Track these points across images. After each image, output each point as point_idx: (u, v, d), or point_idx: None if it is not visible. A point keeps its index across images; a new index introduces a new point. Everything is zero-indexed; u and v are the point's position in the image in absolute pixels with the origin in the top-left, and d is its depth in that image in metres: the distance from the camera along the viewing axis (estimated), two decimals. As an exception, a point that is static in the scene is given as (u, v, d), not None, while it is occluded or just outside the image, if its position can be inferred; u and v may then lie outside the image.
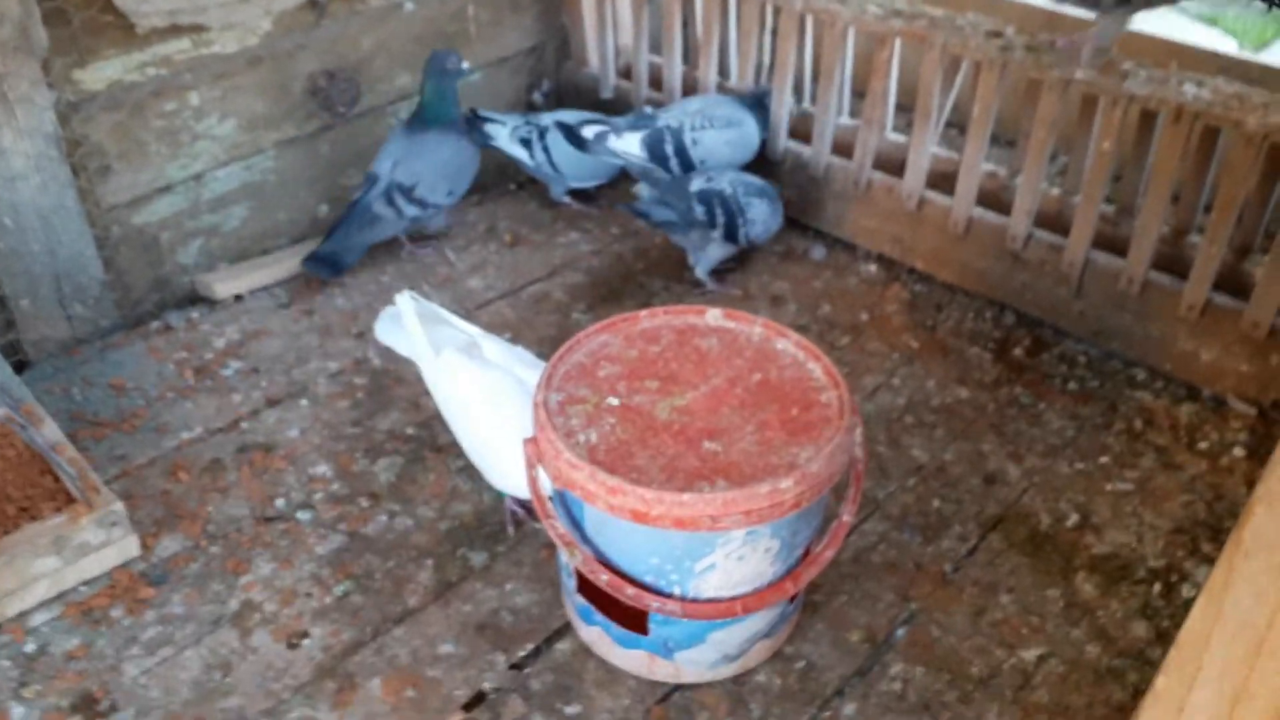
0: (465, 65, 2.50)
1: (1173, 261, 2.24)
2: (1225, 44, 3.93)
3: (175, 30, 2.28)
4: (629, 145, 2.53)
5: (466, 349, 1.77)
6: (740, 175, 2.49)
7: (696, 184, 2.43)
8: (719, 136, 2.53)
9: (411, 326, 1.77)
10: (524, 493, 1.63)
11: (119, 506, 1.72)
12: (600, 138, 2.52)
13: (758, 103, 2.63)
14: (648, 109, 2.72)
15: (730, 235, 2.42)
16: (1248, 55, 2.69)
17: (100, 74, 2.22)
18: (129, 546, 1.76)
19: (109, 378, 2.18)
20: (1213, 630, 0.48)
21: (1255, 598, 0.45)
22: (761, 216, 2.45)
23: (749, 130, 2.57)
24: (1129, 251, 2.21)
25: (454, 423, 1.79)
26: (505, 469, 1.69)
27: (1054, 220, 2.38)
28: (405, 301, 1.78)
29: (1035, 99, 2.26)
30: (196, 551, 1.80)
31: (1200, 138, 2.16)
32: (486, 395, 1.71)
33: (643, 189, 2.59)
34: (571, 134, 2.55)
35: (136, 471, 1.95)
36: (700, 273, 2.49)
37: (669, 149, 2.51)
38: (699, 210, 2.39)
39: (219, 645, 1.65)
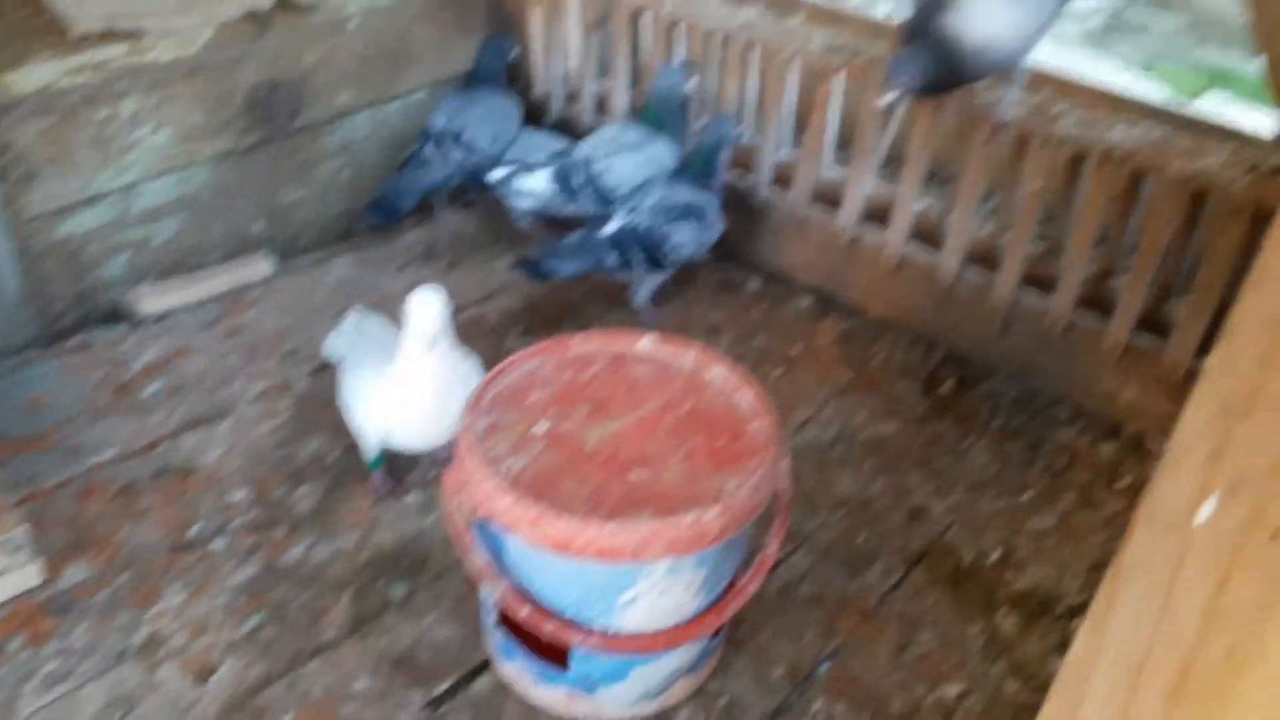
0: (516, 50, 2.85)
1: (1098, 301, 2.29)
2: (1159, 92, 4.06)
3: (111, 36, 2.23)
4: (536, 183, 2.48)
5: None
6: (669, 193, 2.40)
7: (612, 226, 2.36)
8: (628, 160, 2.50)
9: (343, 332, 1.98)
10: (371, 440, 1.82)
11: (21, 531, 1.67)
12: (506, 180, 2.49)
13: (680, 113, 2.61)
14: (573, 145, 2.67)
15: (656, 264, 2.39)
16: (1175, 104, 2.78)
17: (30, 77, 2.15)
18: (32, 574, 1.70)
19: (23, 394, 2.11)
20: (1096, 655, 0.49)
21: (1134, 623, 0.46)
22: (689, 237, 2.38)
23: (659, 150, 2.54)
24: (1056, 291, 2.26)
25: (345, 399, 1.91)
26: (355, 416, 1.84)
27: (984, 258, 2.42)
28: (348, 320, 2.00)
29: (970, 137, 2.30)
30: (104, 580, 1.74)
31: (1127, 181, 2.21)
32: (357, 355, 1.91)
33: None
34: (476, 178, 2.55)
35: (46, 494, 1.88)
36: (639, 301, 2.48)
37: (578, 180, 2.47)
38: (612, 258, 2.34)
39: (123, 680, 1.59)
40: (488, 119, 2.72)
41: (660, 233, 2.35)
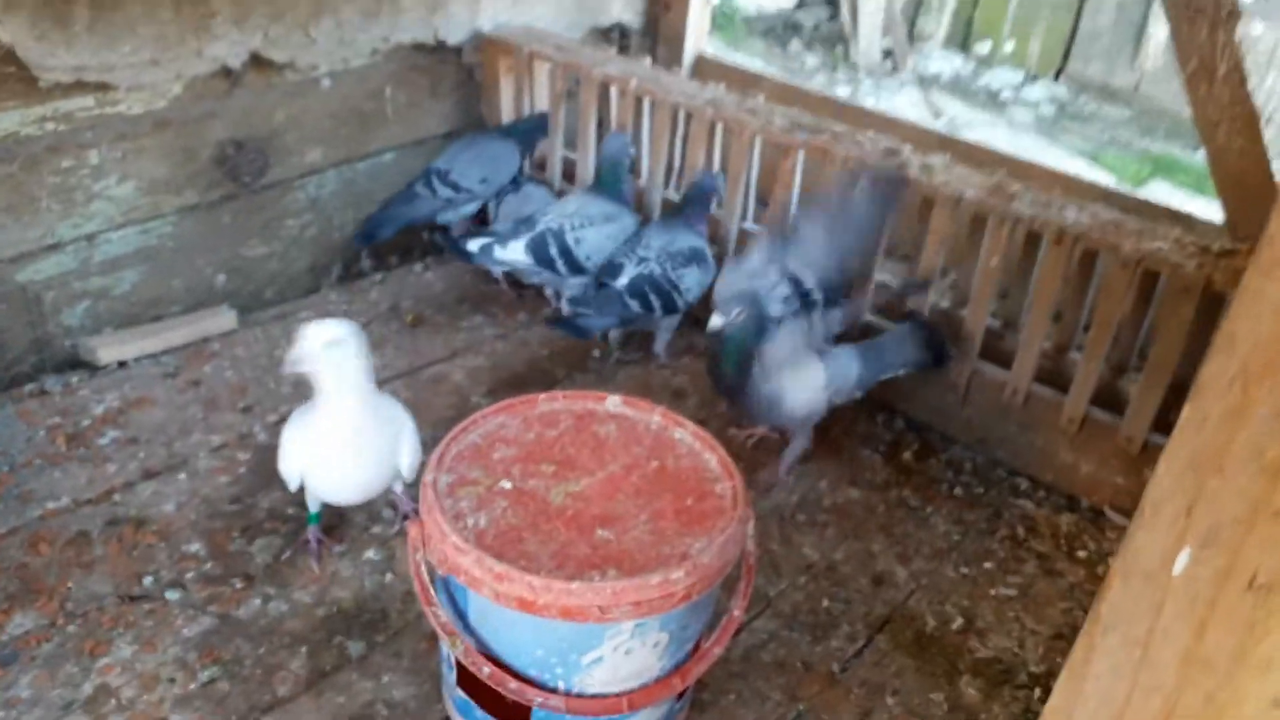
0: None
1: (1054, 376, 2.34)
2: (1104, 180, 4.21)
3: (80, 87, 2.23)
4: (514, 254, 2.51)
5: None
6: (669, 241, 2.49)
7: (625, 277, 2.42)
8: (599, 233, 2.56)
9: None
10: (293, 487, 1.78)
11: (-33, 579, 1.61)
12: (485, 250, 2.52)
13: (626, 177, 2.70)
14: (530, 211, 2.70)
15: (671, 309, 2.48)
16: (1125, 188, 2.88)
17: (-5, 125, 2.15)
18: (-26, 623, 1.64)
19: (-28, 440, 2.06)
20: (1074, 707, 0.49)
21: (1113, 673, 0.46)
22: (695, 282, 2.50)
23: (627, 223, 2.61)
24: (1013, 364, 2.31)
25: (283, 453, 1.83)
26: (288, 459, 1.77)
27: (944, 331, 2.47)
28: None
29: (928, 215, 2.37)
30: (52, 630, 1.68)
31: (1080, 260, 2.28)
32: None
33: (565, 302, 2.61)
34: (455, 245, 2.56)
35: (-8, 541, 1.83)
36: (658, 348, 2.59)
37: (553, 251, 2.52)
38: (634, 305, 2.41)
39: (66, 733, 1.53)
40: (478, 161, 2.80)
41: (673, 276, 2.44)
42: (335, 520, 1.97)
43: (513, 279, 2.80)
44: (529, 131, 2.91)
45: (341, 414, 1.68)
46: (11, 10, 2.05)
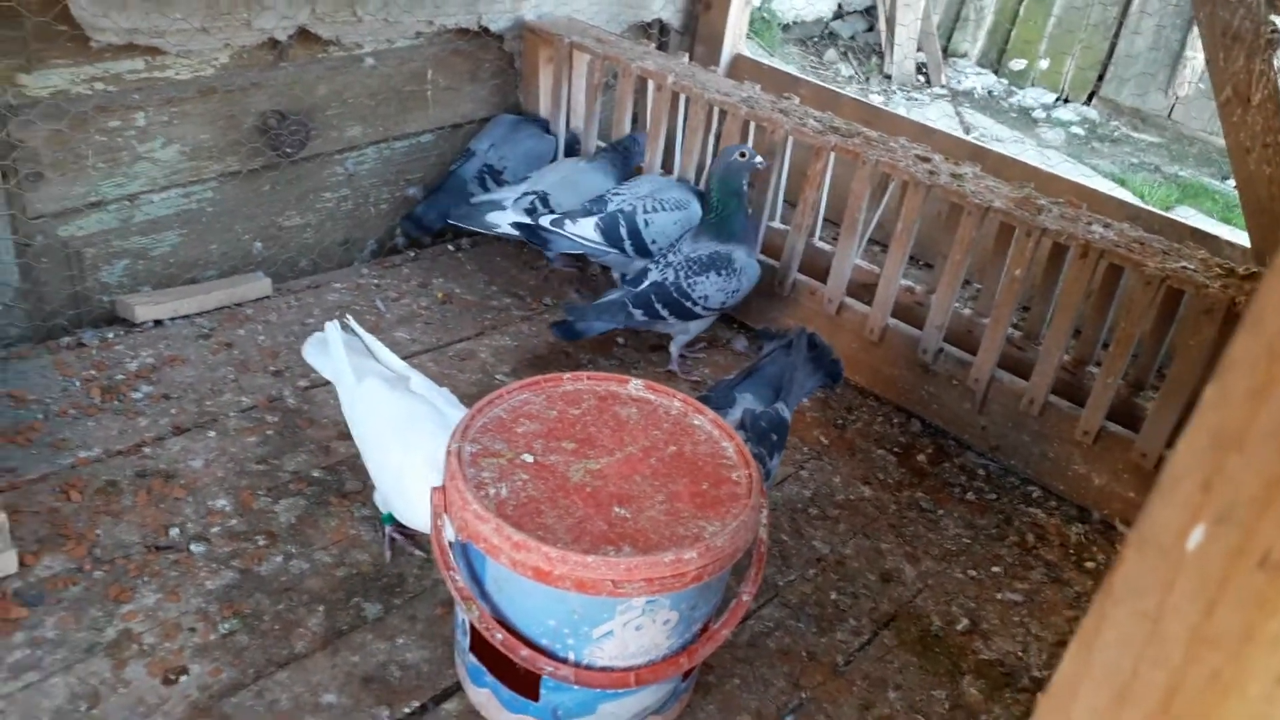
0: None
1: (1072, 389, 2.36)
2: (1132, 201, 4.21)
3: (130, 49, 2.28)
4: (584, 230, 2.58)
5: (392, 380, 1.79)
6: (696, 246, 2.46)
7: (643, 285, 2.44)
8: (669, 218, 2.62)
9: (336, 352, 1.81)
10: (426, 525, 1.62)
11: (1, 518, 1.66)
12: (556, 223, 2.58)
13: (698, 193, 2.72)
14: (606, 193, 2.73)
15: (683, 316, 2.45)
16: (1151, 207, 2.90)
17: (45, 81, 2.20)
18: (7, 562, 1.68)
19: (8, 387, 2.10)
20: (1081, 677, 0.51)
21: (1121, 644, 0.48)
22: (713, 288, 2.43)
23: (695, 212, 2.65)
24: (1032, 375, 2.33)
25: (367, 448, 1.79)
26: (411, 497, 1.67)
27: (964, 338, 2.50)
28: (333, 329, 1.83)
29: (955, 223, 2.39)
30: (79, 574, 1.73)
31: (1104, 276, 2.30)
32: (405, 421, 1.72)
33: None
34: (526, 226, 2.60)
35: (25, 485, 1.87)
36: (672, 349, 2.57)
37: (623, 231, 2.58)
38: (639, 314, 2.42)
39: (89, 675, 1.57)
40: (528, 161, 2.93)
41: (685, 285, 2.43)
42: (358, 485, 2.01)
43: (571, 259, 2.85)
44: (625, 155, 2.91)
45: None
46: (69, -30, 2.10)
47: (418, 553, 1.88)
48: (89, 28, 2.19)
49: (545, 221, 2.59)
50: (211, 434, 2.08)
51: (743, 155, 2.44)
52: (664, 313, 2.43)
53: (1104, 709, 0.48)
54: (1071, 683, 0.51)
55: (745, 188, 2.49)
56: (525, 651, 1.49)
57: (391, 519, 1.85)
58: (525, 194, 2.74)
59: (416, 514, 1.69)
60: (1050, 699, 0.54)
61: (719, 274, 2.44)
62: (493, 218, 2.70)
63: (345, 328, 1.87)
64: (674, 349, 2.56)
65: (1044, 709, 0.54)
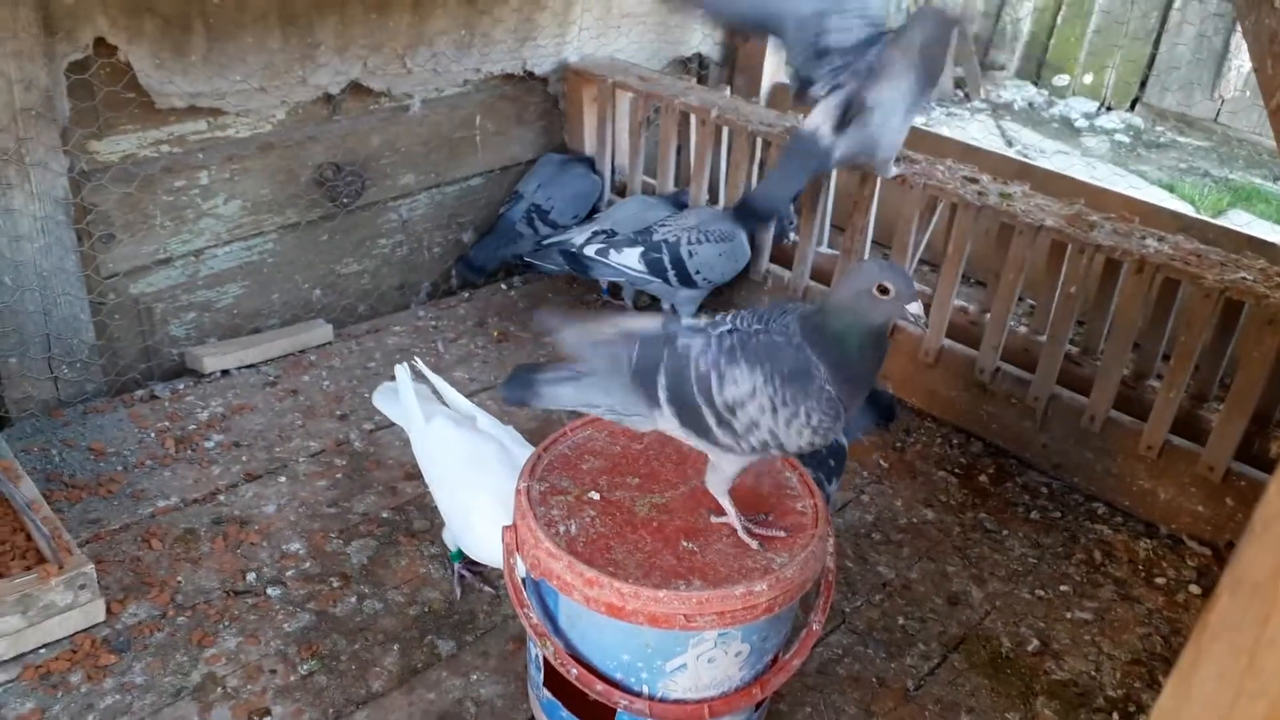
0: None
1: (1133, 403, 2.34)
2: (1183, 208, 4.16)
3: (193, 112, 2.37)
4: (628, 260, 2.63)
5: (459, 420, 1.84)
6: (710, 221, 2.68)
7: (641, 245, 2.65)
8: (713, 250, 2.65)
9: (406, 394, 1.86)
10: (495, 560, 1.65)
11: (90, 569, 1.72)
12: (602, 253, 2.63)
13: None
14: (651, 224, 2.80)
15: (685, 281, 2.63)
16: (1205, 217, 2.87)
17: (115, 146, 2.29)
18: (95, 611, 1.74)
19: (89, 441, 2.18)
20: (1181, 710, 0.53)
21: (1219, 679, 0.50)
22: (707, 261, 2.64)
23: (740, 244, 2.69)
24: (1091, 391, 2.31)
25: (437, 487, 1.83)
26: (480, 533, 1.71)
27: (1020, 356, 2.49)
28: (402, 372, 1.88)
29: (1007, 243, 2.39)
30: (163, 620, 1.78)
31: (1161, 289, 2.28)
32: (472, 458, 1.77)
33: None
34: (571, 254, 2.66)
35: (109, 536, 1.94)
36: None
37: (666, 261, 2.62)
38: (640, 269, 2.62)
39: (178, 718, 1.62)
40: (574, 201, 3.01)
41: (684, 251, 2.60)
42: (425, 525, 2.05)
43: (617, 289, 2.90)
44: (684, 199, 3.00)
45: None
46: (135, 40, 2.20)
47: (487, 589, 1.91)
48: (155, 94, 2.28)
49: (591, 251, 2.63)
50: (282, 479, 2.14)
51: None
52: (670, 270, 2.60)
53: (1207, 739, 0.50)
54: (1172, 714, 0.53)
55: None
56: (601, 686, 1.51)
57: (460, 555, 1.89)
58: (596, 233, 2.78)
59: (484, 548, 1.73)
60: None
61: (721, 245, 2.66)
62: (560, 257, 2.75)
63: (414, 371, 1.91)
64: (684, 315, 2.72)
65: None
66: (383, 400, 1.98)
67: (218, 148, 2.46)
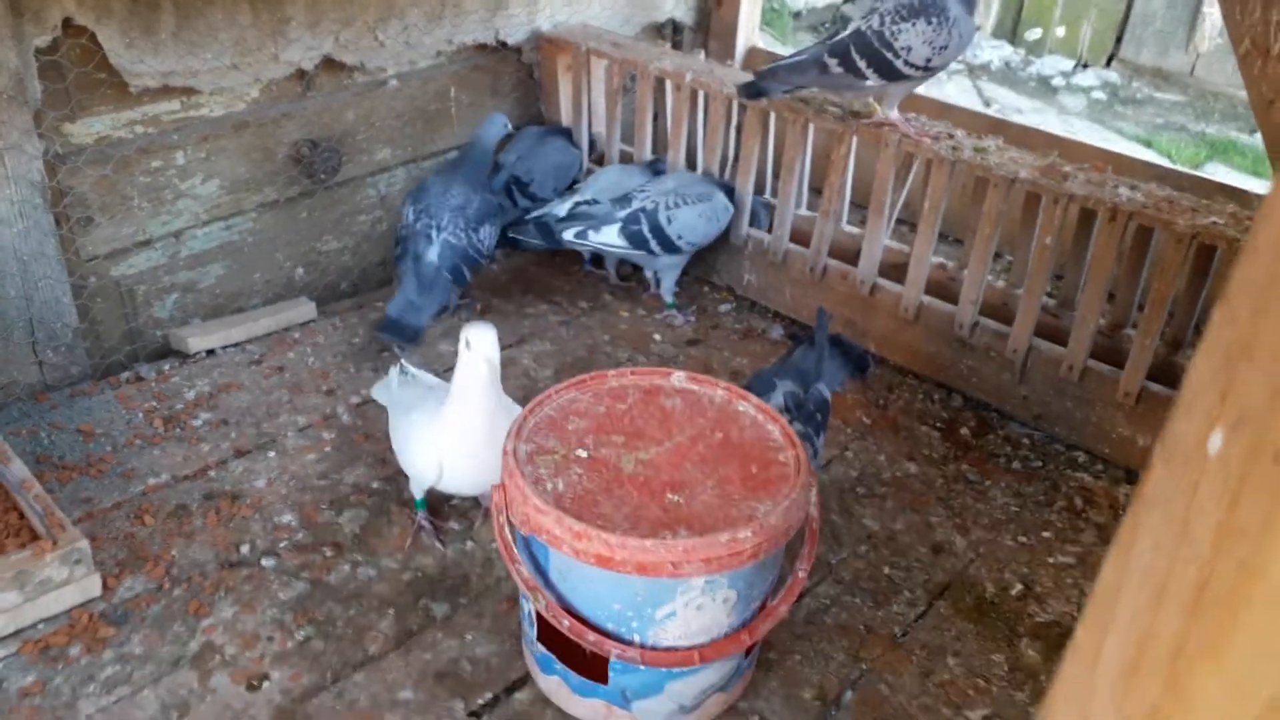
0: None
1: (1110, 353, 2.38)
2: (1160, 162, 4.19)
3: (166, 91, 2.37)
4: (607, 238, 2.64)
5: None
6: (688, 184, 2.69)
7: (626, 209, 2.65)
8: (692, 212, 2.65)
9: (391, 384, 2.04)
10: (424, 482, 1.87)
11: (84, 544, 1.73)
12: (580, 235, 2.64)
13: (727, 190, 2.76)
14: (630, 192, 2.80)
15: (668, 247, 2.64)
16: (1179, 167, 2.90)
17: (90, 128, 2.29)
18: (91, 585, 1.76)
19: (77, 423, 2.19)
20: (1121, 581, 0.55)
21: (1155, 548, 0.52)
22: (694, 220, 2.64)
23: (719, 203, 2.69)
24: (1069, 341, 2.34)
25: (393, 431, 1.99)
26: (409, 460, 1.89)
27: (999, 311, 2.52)
28: (394, 372, 2.06)
29: (982, 198, 2.41)
30: (159, 593, 1.80)
31: (1134, 237, 2.31)
32: (416, 396, 1.95)
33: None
34: (547, 231, 2.67)
35: (101, 514, 1.96)
36: (664, 291, 2.73)
37: (646, 231, 2.63)
38: (621, 242, 2.62)
39: (178, 686, 1.65)
40: (554, 174, 3.01)
41: (660, 217, 2.61)
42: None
43: (600, 260, 2.91)
44: (661, 167, 3.00)
45: (483, 411, 1.77)
46: (103, 20, 2.19)
47: (438, 545, 1.96)
48: (127, 74, 2.28)
49: (569, 235, 2.63)
50: (272, 454, 2.15)
51: None
52: (649, 237, 2.61)
53: (1144, 606, 0.52)
54: (1113, 587, 0.55)
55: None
56: (593, 636, 1.54)
57: (424, 504, 1.98)
58: (577, 203, 2.78)
59: (417, 462, 1.86)
60: (1095, 603, 0.57)
61: (699, 206, 2.68)
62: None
63: (403, 371, 2.05)
64: (665, 286, 2.75)
65: (1090, 612, 0.58)
66: (378, 392, 2.12)
67: (193, 127, 2.46)
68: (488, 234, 2.63)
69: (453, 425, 1.79)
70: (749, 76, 2.86)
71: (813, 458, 1.87)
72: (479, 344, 1.73)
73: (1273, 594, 0.49)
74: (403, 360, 2.11)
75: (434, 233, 2.53)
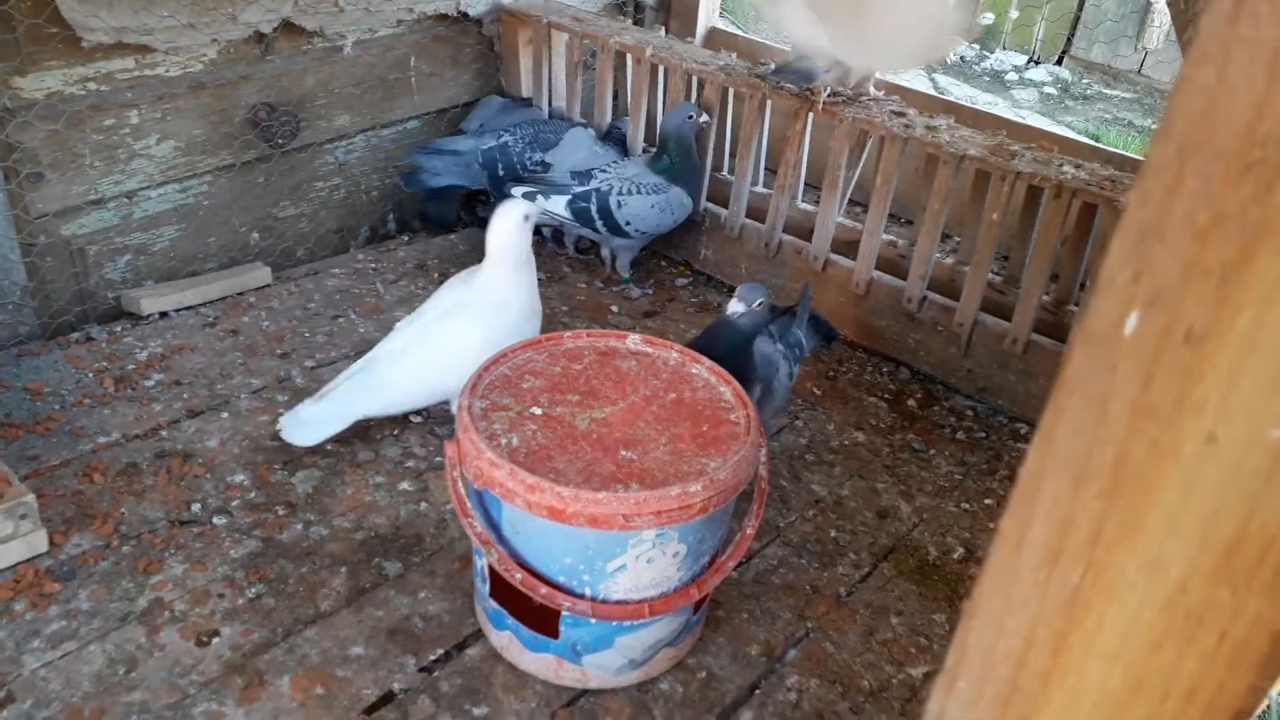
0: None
1: (1055, 328, 2.44)
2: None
3: (120, 48, 2.34)
4: (555, 207, 2.65)
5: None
6: (645, 174, 2.70)
7: (583, 186, 2.68)
8: (645, 201, 2.67)
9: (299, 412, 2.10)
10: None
11: (30, 499, 1.72)
12: (529, 197, 2.64)
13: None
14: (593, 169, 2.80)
15: (615, 231, 2.68)
16: (1122, 151, 2.97)
17: (40, 83, 2.25)
18: (37, 541, 1.75)
19: (24, 382, 2.17)
20: (1044, 469, 0.57)
21: (1075, 432, 0.54)
22: (638, 212, 2.67)
23: (676, 197, 2.70)
24: (1013, 316, 2.40)
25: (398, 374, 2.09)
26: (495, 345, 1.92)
27: (947, 287, 2.58)
28: (306, 402, 2.10)
29: (933, 176, 2.46)
30: (107, 550, 1.79)
31: (1079, 215, 2.38)
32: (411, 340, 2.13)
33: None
34: (497, 183, 2.69)
35: (49, 471, 1.94)
36: (620, 268, 2.79)
37: (593, 210, 2.64)
38: (567, 216, 2.66)
39: (125, 641, 1.64)
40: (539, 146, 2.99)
41: (613, 200, 2.64)
42: (370, 456, 2.08)
43: (560, 235, 2.93)
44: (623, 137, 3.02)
45: (521, 280, 2.11)
46: (57, -28, 2.16)
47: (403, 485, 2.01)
48: (79, 28, 2.25)
49: (518, 193, 2.64)
50: (225, 415, 2.15)
51: (691, 118, 2.69)
52: (598, 220, 2.66)
53: (1065, 492, 0.55)
54: (1036, 475, 0.57)
55: (694, 143, 2.74)
56: (544, 590, 1.56)
57: None
58: (541, 162, 2.80)
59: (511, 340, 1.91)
60: (1019, 493, 0.60)
61: (653, 196, 2.69)
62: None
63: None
64: (622, 263, 2.82)
65: (1014, 503, 0.60)
66: (290, 429, 2.08)
67: (148, 86, 2.43)
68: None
69: (527, 287, 2.11)
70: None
71: (789, 379, 2.10)
72: (520, 209, 2.08)
73: (1183, 475, 0.52)
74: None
75: None
